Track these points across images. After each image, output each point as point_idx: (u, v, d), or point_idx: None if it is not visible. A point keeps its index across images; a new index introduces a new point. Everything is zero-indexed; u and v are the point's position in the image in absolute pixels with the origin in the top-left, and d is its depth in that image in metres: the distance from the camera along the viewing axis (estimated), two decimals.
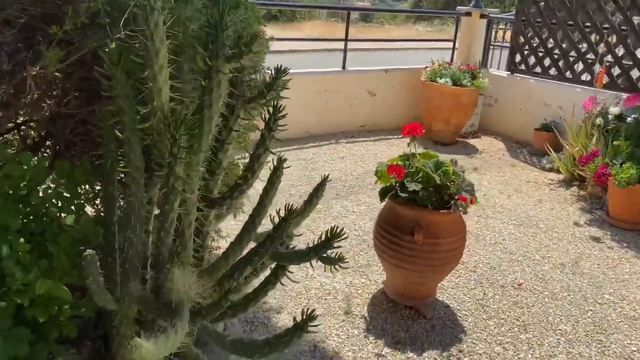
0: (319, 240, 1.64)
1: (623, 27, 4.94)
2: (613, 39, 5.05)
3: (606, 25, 5.07)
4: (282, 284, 1.74)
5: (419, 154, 2.44)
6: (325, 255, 1.63)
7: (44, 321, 1.65)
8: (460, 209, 2.19)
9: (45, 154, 2.26)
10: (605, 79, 5.03)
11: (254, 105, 1.74)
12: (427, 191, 2.22)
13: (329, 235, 1.63)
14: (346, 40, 5.45)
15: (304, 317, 1.36)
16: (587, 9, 5.18)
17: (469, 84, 5.34)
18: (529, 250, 3.25)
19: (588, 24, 5.21)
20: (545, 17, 5.54)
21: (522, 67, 5.86)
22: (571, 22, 5.33)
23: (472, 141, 5.81)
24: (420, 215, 2.21)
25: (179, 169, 1.45)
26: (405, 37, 23.22)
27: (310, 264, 1.60)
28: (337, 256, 1.63)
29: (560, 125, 5.23)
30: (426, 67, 5.68)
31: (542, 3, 5.54)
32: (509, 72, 6.00)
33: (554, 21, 5.47)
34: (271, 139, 1.65)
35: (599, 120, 4.57)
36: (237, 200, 1.77)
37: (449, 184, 2.25)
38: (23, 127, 2.24)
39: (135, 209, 1.55)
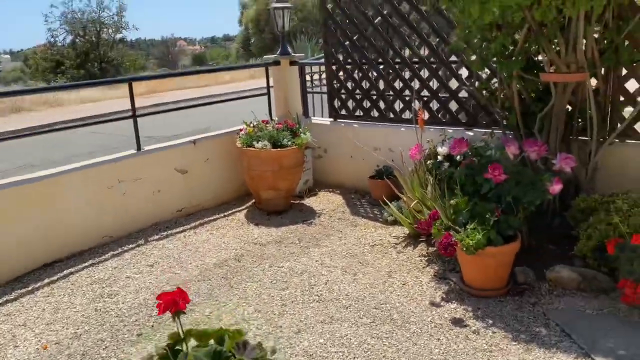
0: None
1: (432, 60, 4.68)
2: (425, 72, 4.78)
3: (416, 60, 4.79)
4: None
5: (194, 330, 1.58)
6: None
7: None
8: None
9: None
10: (426, 115, 4.72)
11: None
12: None
13: None
14: (135, 116, 4.48)
15: None
16: (395, 45, 4.86)
17: (290, 143, 4.70)
18: None
19: (398, 60, 4.90)
20: (355, 58, 5.15)
21: (344, 112, 5.41)
22: (381, 60, 4.98)
23: (309, 201, 5.17)
24: None
25: None
26: (228, 83, 22.62)
27: None
28: None
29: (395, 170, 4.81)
30: (240, 130, 4.94)
31: (348, 42, 5.14)
32: (332, 119, 5.51)
33: (364, 61, 5.09)
34: None
35: (429, 163, 4.18)
36: None
37: None
38: None
39: None
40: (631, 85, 3.76)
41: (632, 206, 3.09)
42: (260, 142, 4.63)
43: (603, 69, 3.72)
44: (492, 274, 3.05)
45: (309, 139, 4.86)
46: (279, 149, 4.64)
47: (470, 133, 4.50)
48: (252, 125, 4.88)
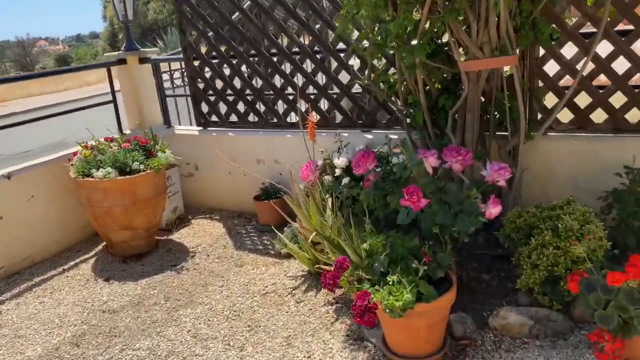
0: None
1: (316, 49, 3.81)
2: (309, 65, 3.90)
3: (296, 49, 3.89)
4: None
5: None
6: None
7: None
8: None
9: None
10: (315, 117, 3.85)
11: None
12: None
13: None
14: None
15: None
16: (268, 32, 3.92)
17: (143, 166, 3.58)
18: None
19: (274, 50, 3.97)
20: (221, 50, 4.13)
21: (214, 118, 4.38)
22: (255, 52, 4.02)
23: (180, 234, 4.10)
24: None
25: None
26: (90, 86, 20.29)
27: None
28: None
29: (285, 185, 3.92)
30: (74, 154, 3.71)
31: (211, 33, 4.10)
32: (200, 128, 4.45)
33: (234, 53, 4.09)
34: None
35: (327, 180, 3.32)
36: None
37: None
38: None
39: None
40: (550, 68, 3.18)
41: (584, 222, 2.45)
42: (101, 169, 3.47)
43: (518, 50, 3.08)
44: (425, 335, 2.25)
45: (170, 157, 3.78)
46: (128, 176, 3.50)
47: (369, 135, 3.71)
48: (89, 146, 3.68)
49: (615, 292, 1.97)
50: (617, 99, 3.05)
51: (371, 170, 2.64)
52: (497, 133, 3.24)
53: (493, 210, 2.32)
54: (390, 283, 2.12)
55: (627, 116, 3.06)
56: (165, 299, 3.16)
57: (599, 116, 3.14)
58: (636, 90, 2.99)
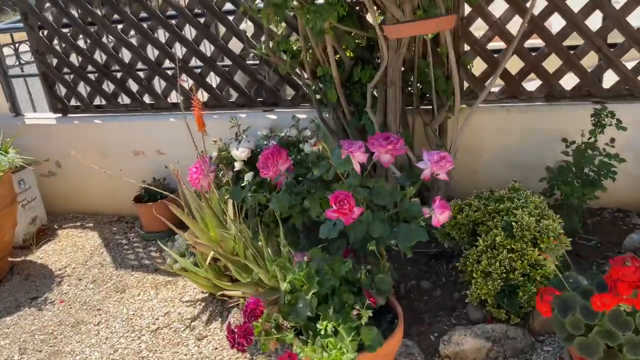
0: None
1: (198, 12, 3.06)
2: (191, 31, 3.15)
3: (172, 13, 3.11)
4: None
5: None
6: None
7: None
8: None
9: None
10: (203, 96, 3.16)
11: None
12: None
13: None
14: None
15: None
16: None
17: None
18: None
19: (144, 14, 3.16)
20: (75, 17, 3.23)
21: (75, 102, 3.49)
22: (119, 18, 3.17)
23: (42, 252, 3.25)
24: None
25: None
26: None
27: None
28: None
29: (172, 182, 3.23)
30: None
31: None
32: (59, 115, 3.54)
33: (92, 20, 3.22)
34: None
35: (225, 180, 2.68)
36: None
37: None
38: None
39: None
40: (475, 29, 2.73)
41: (539, 217, 2.05)
42: None
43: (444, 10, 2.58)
44: None
45: (16, 159, 2.89)
46: None
47: (273, 116, 3.09)
48: None
49: (600, 315, 1.58)
50: (551, 63, 2.69)
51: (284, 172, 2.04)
52: (422, 107, 2.77)
53: (441, 216, 1.83)
54: (323, 333, 1.57)
55: (562, 82, 2.71)
56: (21, 351, 2.38)
57: (531, 83, 2.77)
58: (572, 52, 2.64)
